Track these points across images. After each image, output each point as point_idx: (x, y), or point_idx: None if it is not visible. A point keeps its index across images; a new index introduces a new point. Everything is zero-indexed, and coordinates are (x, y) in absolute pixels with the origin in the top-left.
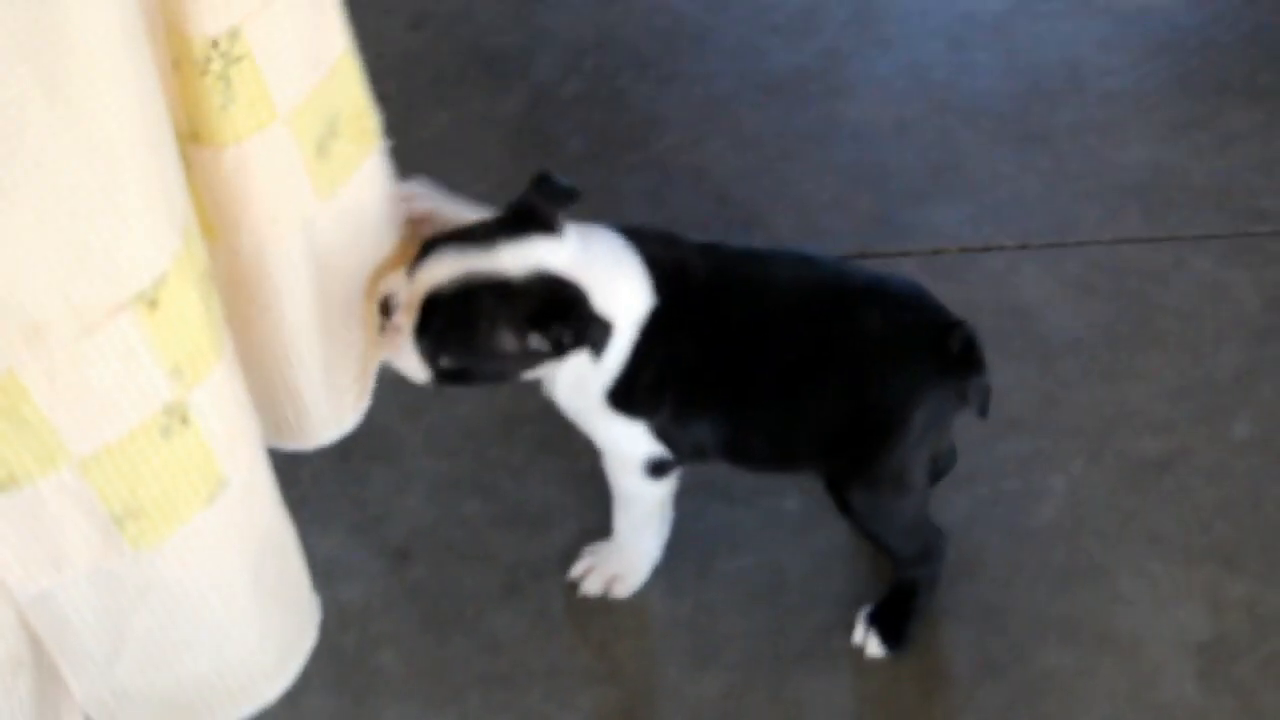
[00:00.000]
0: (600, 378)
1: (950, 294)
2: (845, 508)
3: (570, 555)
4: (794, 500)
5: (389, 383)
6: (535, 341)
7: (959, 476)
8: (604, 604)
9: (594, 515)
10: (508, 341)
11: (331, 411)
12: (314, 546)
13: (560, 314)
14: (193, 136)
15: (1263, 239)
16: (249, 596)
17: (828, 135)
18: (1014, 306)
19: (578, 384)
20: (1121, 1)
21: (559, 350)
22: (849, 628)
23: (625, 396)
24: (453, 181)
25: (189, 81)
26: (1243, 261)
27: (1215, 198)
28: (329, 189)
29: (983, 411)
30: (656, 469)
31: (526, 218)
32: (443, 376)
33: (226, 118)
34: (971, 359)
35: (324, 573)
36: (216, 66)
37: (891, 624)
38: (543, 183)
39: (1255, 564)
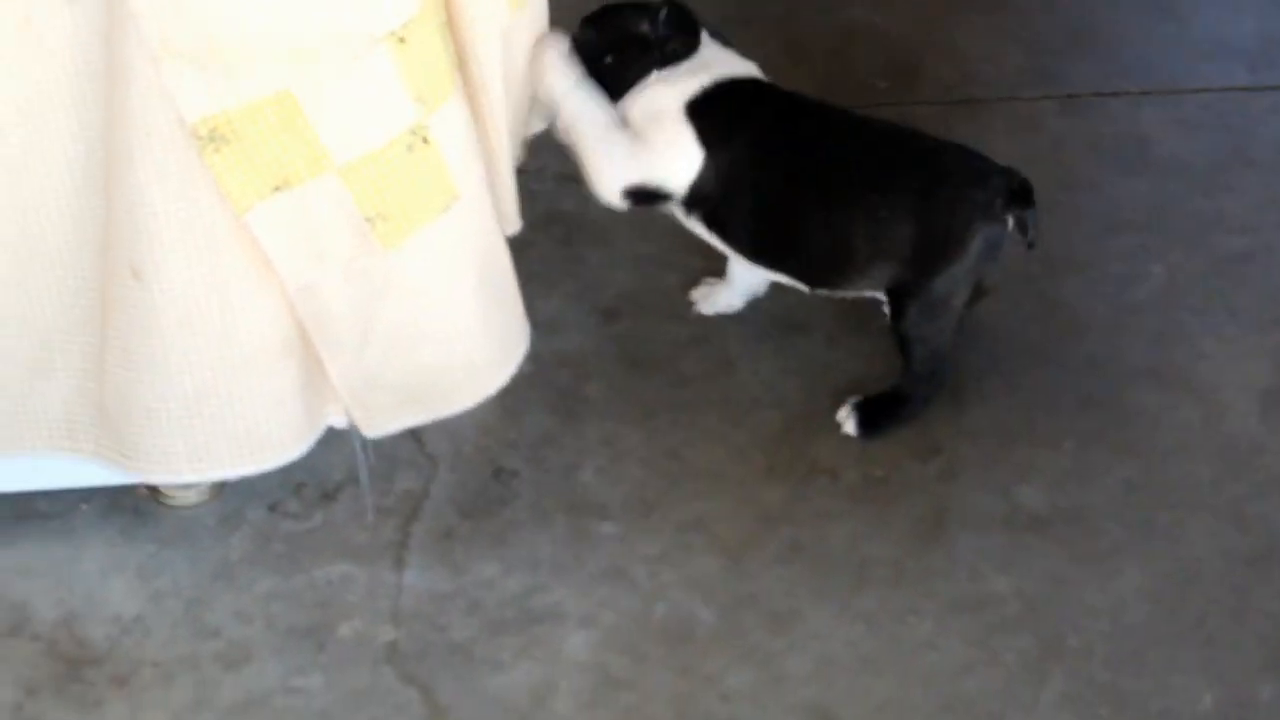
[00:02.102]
0: (686, 88)
1: (1079, 130)
2: (899, 317)
3: (753, 319)
4: None
5: None
6: (656, 26)
7: (1074, 262)
8: (776, 347)
9: (773, 290)
10: (642, 24)
11: (510, 204)
12: (538, 308)
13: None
14: None
15: None
16: (475, 298)
17: (986, 5)
18: (1135, 137)
19: (673, 91)
20: None
21: (667, 35)
22: None
23: (703, 111)
24: None
25: None
26: None
27: None
28: (519, 5)
29: (1031, 244)
30: (641, 197)
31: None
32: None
33: None
34: (1025, 195)
35: (546, 327)
36: None
37: (873, 416)
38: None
39: None
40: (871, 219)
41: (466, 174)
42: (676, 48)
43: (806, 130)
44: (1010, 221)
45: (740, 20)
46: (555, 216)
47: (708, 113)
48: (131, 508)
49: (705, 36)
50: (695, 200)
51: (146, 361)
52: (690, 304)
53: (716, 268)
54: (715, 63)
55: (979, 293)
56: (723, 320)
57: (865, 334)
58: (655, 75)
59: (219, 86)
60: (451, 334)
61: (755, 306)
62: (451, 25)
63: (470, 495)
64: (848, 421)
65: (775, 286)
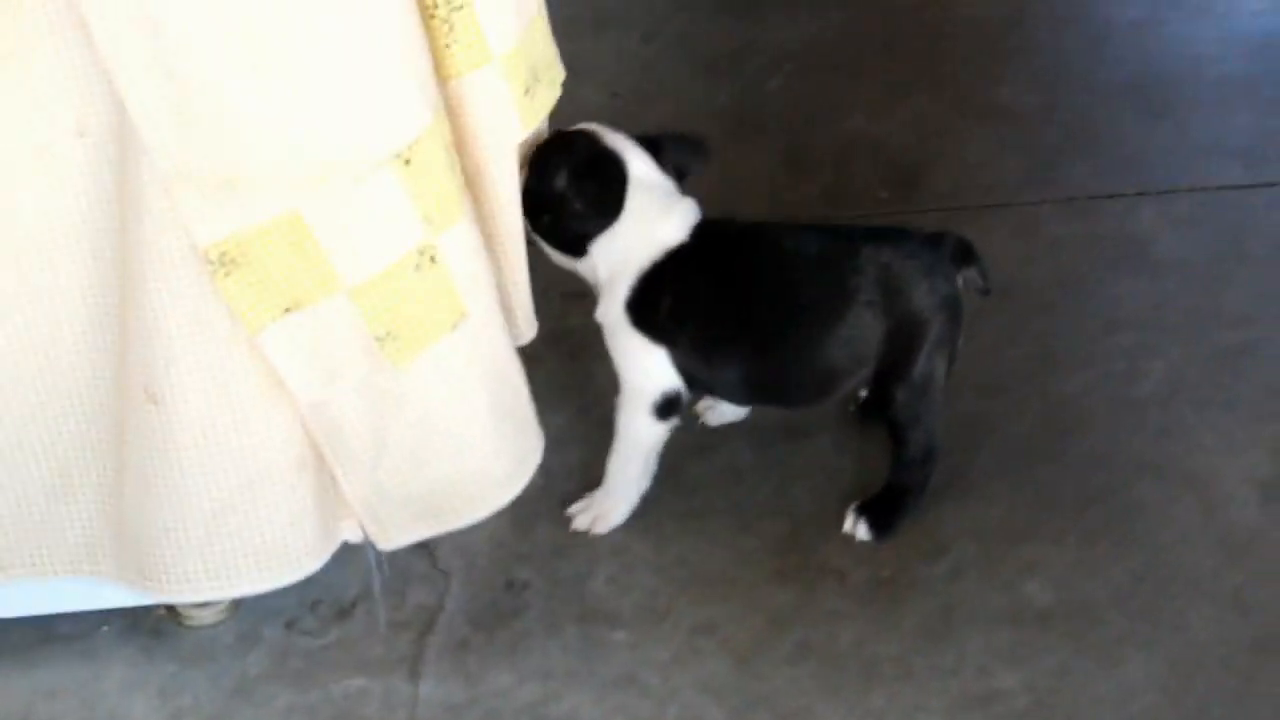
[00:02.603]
0: (622, 290)
1: (1077, 231)
2: (889, 405)
3: (759, 427)
4: None
5: None
6: (572, 189)
7: (1074, 361)
8: (783, 453)
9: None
10: (558, 182)
11: (527, 313)
12: (547, 422)
13: (594, 174)
14: None
15: None
16: (487, 413)
17: (986, 114)
18: (1132, 237)
19: (609, 299)
20: (1233, 8)
21: (582, 203)
22: None
23: (642, 312)
24: None
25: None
26: None
27: None
28: (533, 124)
29: (986, 291)
30: (665, 408)
31: (650, 144)
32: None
33: (449, 55)
34: (968, 253)
35: (555, 440)
36: (442, 11)
37: (881, 516)
38: (687, 140)
39: None
40: (842, 338)
41: (475, 292)
42: (598, 218)
43: (746, 276)
44: (961, 280)
45: (740, 134)
46: (563, 333)
47: (646, 308)
48: (151, 628)
49: (631, 184)
50: (693, 384)
51: (164, 483)
52: (696, 416)
53: None
54: (641, 231)
55: (951, 359)
56: (729, 430)
57: (870, 439)
58: (592, 247)
59: (228, 211)
60: (464, 448)
61: (760, 413)
62: (461, 145)
63: (483, 607)
64: (859, 528)
65: None
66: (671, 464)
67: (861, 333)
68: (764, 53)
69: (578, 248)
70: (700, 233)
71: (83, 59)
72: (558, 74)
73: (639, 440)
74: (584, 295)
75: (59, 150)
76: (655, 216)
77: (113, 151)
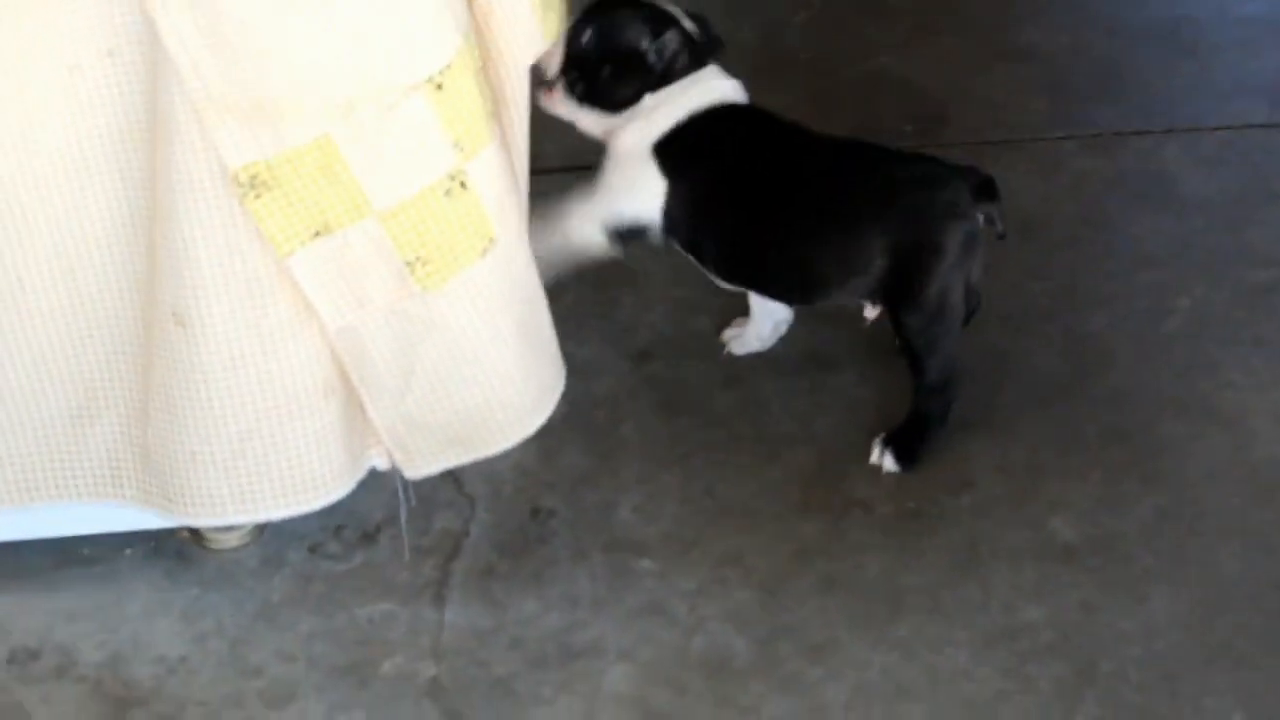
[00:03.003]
0: (656, 129)
1: (1102, 169)
2: (901, 329)
3: (784, 359)
4: None
5: None
6: (655, 46)
7: (1099, 297)
8: (808, 385)
9: (802, 330)
10: (639, 38)
11: None
12: (572, 352)
13: (672, 30)
14: None
15: None
16: (514, 341)
17: (1012, 54)
18: (1157, 175)
19: (635, 135)
20: None
21: (662, 56)
22: None
23: (666, 147)
24: None
25: None
26: None
27: None
28: (551, 36)
29: (1001, 235)
30: (625, 235)
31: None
32: (585, 89)
33: None
34: (988, 189)
35: (580, 371)
36: None
37: (906, 446)
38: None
39: None
40: (833, 246)
41: (504, 218)
42: (671, 74)
43: (769, 156)
44: (980, 217)
45: (769, 69)
46: (587, 262)
47: (675, 145)
48: (174, 552)
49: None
50: (669, 228)
51: (190, 406)
52: (722, 345)
53: (747, 309)
54: (696, 89)
55: (971, 294)
56: (754, 360)
57: (896, 370)
58: (647, 99)
59: (260, 135)
60: (491, 375)
61: (787, 345)
62: (485, 62)
63: (508, 534)
64: (885, 458)
65: (804, 324)
66: (697, 396)
67: (856, 242)
68: None
69: (627, 103)
70: (747, 106)
71: None
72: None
73: (579, 243)
74: None
75: (89, 71)
76: (712, 75)
77: (142, 73)
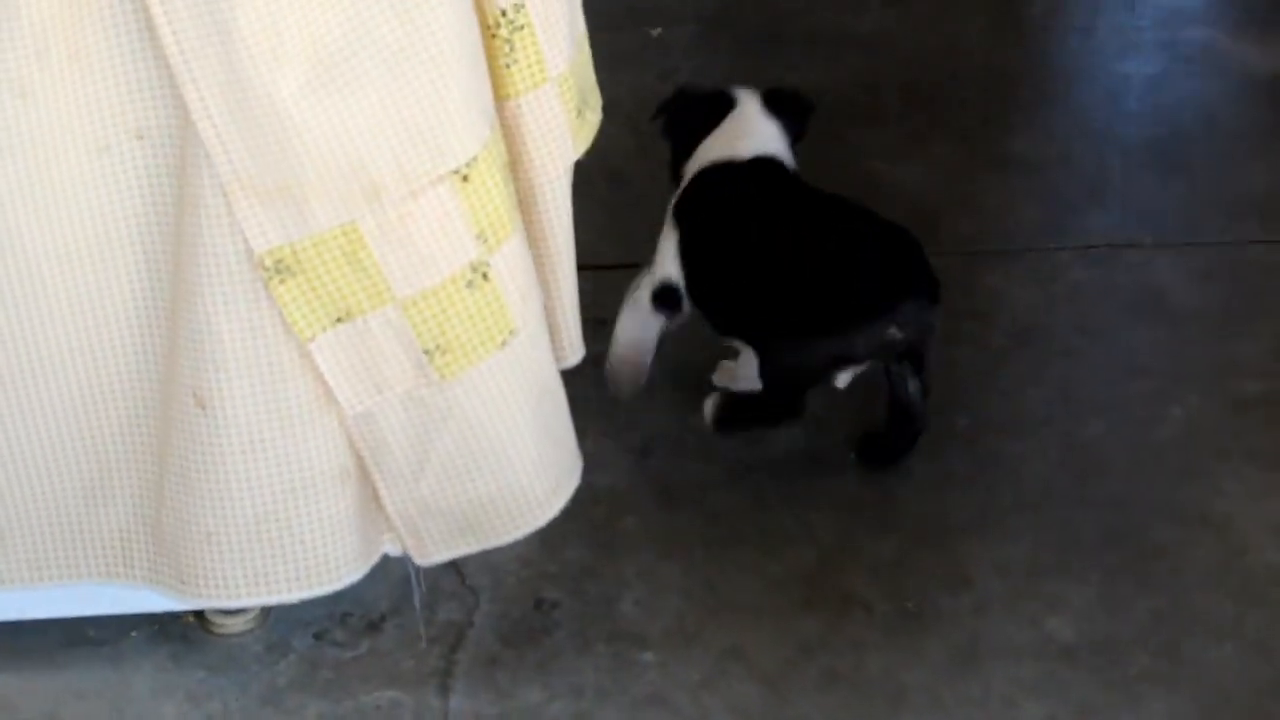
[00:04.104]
0: (680, 187)
1: (1096, 280)
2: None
3: (783, 459)
4: None
5: None
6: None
7: (1096, 406)
8: (808, 485)
9: (802, 431)
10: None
11: (574, 336)
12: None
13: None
14: None
15: None
16: (529, 431)
17: (1003, 163)
18: (1150, 287)
19: (675, 193)
20: (1246, 66)
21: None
22: None
23: (681, 208)
24: None
25: (484, 42)
26: None
27: None
28: (584, 146)
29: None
30: (660, 295)
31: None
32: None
33: (509, 75)
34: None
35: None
36: (504, 32)
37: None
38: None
39: None
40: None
41: (525, 310)
42: (690, 143)
43: (765, 216)
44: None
45: None
46: (589, 359)
47: (683, 202)
48: (179, 635)
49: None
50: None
51: (208, 487)
52: (720, 443)
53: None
54: (719, 144)
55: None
56: (754, 460)
57: (895, 472)
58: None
59: (286, 219)
60: (506, 466)
61: (788, 446)
62: (516, 166)
63: (512, 625)
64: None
65: (803, 425)
66: (697, 493)
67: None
68: None
69: (675, 174)
70: (763, 163)
71: (145, 62)
72: (599, 99)
73: (635, 311)
74: (610, 321)
75: (118, 152)
76: (733, 137)
77: (171, 155)
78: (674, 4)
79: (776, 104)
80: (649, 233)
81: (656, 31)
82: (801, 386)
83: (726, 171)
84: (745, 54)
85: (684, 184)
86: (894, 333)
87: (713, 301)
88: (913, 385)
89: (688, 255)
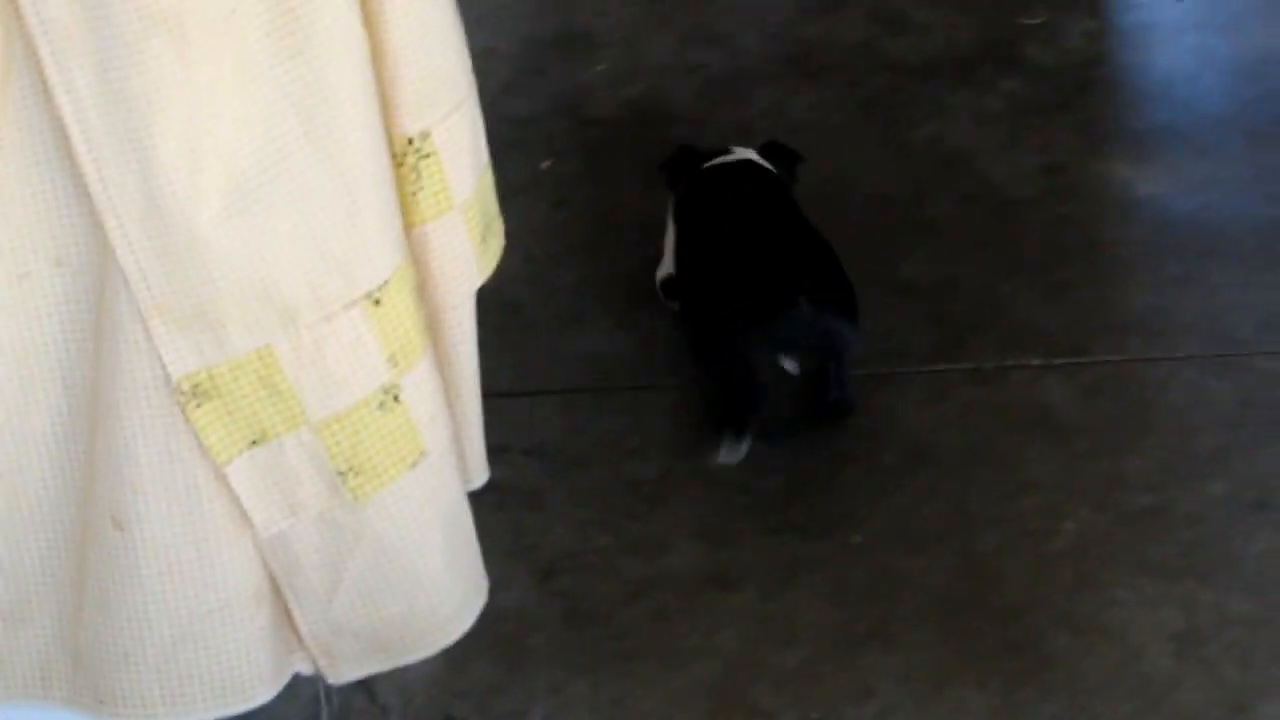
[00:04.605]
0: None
1: (986, 399)
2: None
3: (686, 575)
4: None
5: (543, 455)
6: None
7: (989, 520)
8: (711, 601)
9: (703, 548)
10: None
11: (479, 459)
12: None
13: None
14: None
15: (1232, 358)
16: (439, 552)
17: (895, 288)
18: (1038, 405)
19: None
20: (1127, 188)
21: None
22: None
23: (677, 207)
24: None
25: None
26: (1217, 374)
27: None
28: (488, 271)
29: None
30: (665, 289)
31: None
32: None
33: (415, 203)
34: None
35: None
36: (411, 160)
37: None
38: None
39: (1223, 580)
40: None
41: (434, 431)
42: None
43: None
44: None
45: (653, 293)
46: (489, 486)
47: (681, 202)
48: None
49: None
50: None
51: (126, 609)
52: (622, 561)
53: (648, 530)
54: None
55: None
56: (655, 579)
57: (798, 587)
58: None
59: (203, 343)
60: (417, 585)
61: (689, 565)
62: (422, 292)
63: None
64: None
65: (707, 541)
66: (603, 610)
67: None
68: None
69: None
70: (751, 165)
71: (65, 191)
72: (501, 226)
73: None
74: (506, 448)
75: (37, 280)
76: (728, 155)
77: (90, 282)
78: (562, 136)
79: (771, 152)
80: (545, 359)
81: (546, 164)
82: (729, 377)
83: (718, 172)
84: (635, 184)
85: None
86: (788, 332)
87: (683, 290)
88: (833, 393)
89: (680, 251)
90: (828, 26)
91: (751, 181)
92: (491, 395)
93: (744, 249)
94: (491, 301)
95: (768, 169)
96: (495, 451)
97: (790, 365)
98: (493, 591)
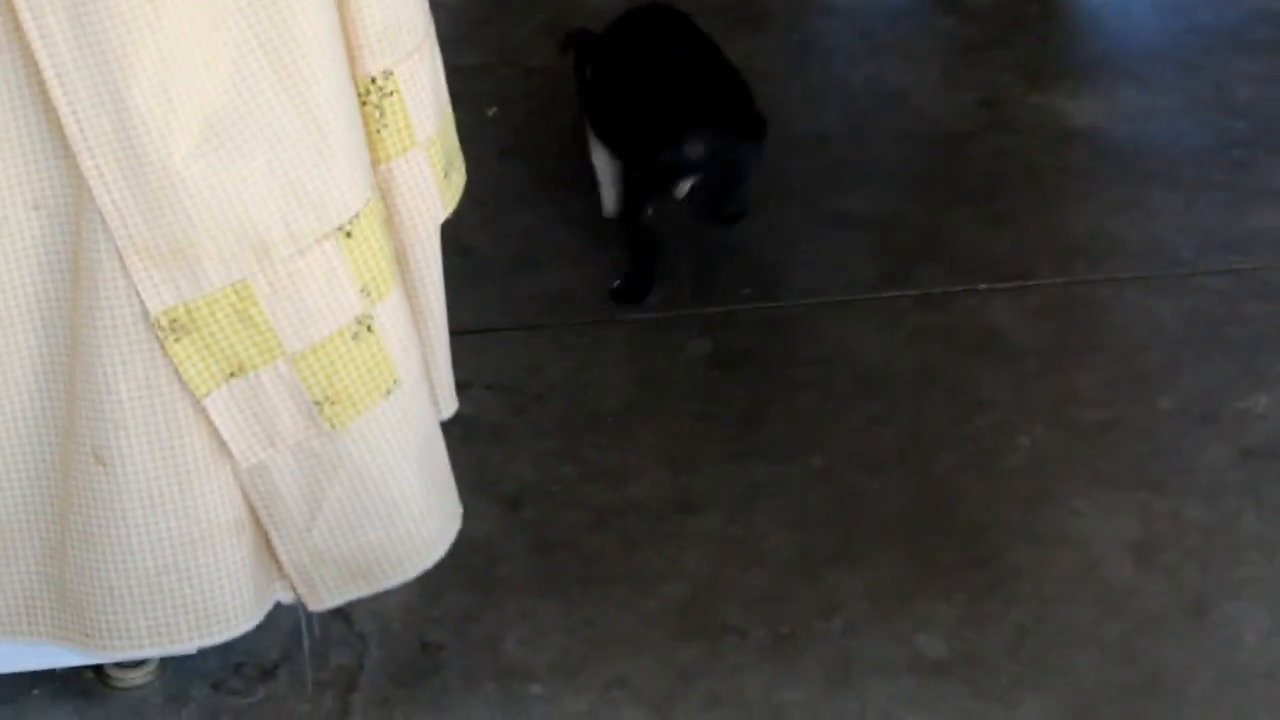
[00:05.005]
0: None
1: (935, 323)
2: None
3: (649, 502)
4: None
5: (504, 390)
6: None
7: (945, 440)
8: (674, 527)
9: (666, 475)
10: None
11: (447, 390)
12: None
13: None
14: None
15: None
16: (415, 479)
17: (838, 221)
18: (987, 328)
19: None
20: (1064, 119)
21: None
22: None
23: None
24: None
25: None
26: (1160, 293)
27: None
28: (451, 205)
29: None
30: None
31: None
32: None
33: (380, 140)
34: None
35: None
36: (374, 98)
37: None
38: None
39: (1177, 489)
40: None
41: (406, 361)
42: None
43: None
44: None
45: (603, 232)
46: (454, 420)
47: (595, 39)
48: (80, 690)
49: None
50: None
51: (109, 542)
52: (586, 490)
53: (610, 460)
54: None
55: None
56: (621, 506)
57: (761, 510)
58: None
59: (179, 279)
60: (394, 511)
61: (654, 491)
62: (389, 226)
63: (401, 667)
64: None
65: (669, 470)
66: (569, 538)
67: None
68: None
69: None
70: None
71: (40, 135)
72: (462, 162)
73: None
74: (473, 383)
75: (14, 224)
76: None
77: (67, 224)
78: (506, 85)
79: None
80: (497, 301)
81: (492, 111)
82: (649, 188)
83: (627, 17)
84: (579, 130)
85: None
86: (696, 151)
87: (598, 116)
88: (732, 203)
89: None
90: None
91: (660, 21)
92: (452, 333)
93: (651, 82)
94: (446, 247)
95: (677, 11)
96: (458, 387)
97: (680, 189)
98: (462, 522)
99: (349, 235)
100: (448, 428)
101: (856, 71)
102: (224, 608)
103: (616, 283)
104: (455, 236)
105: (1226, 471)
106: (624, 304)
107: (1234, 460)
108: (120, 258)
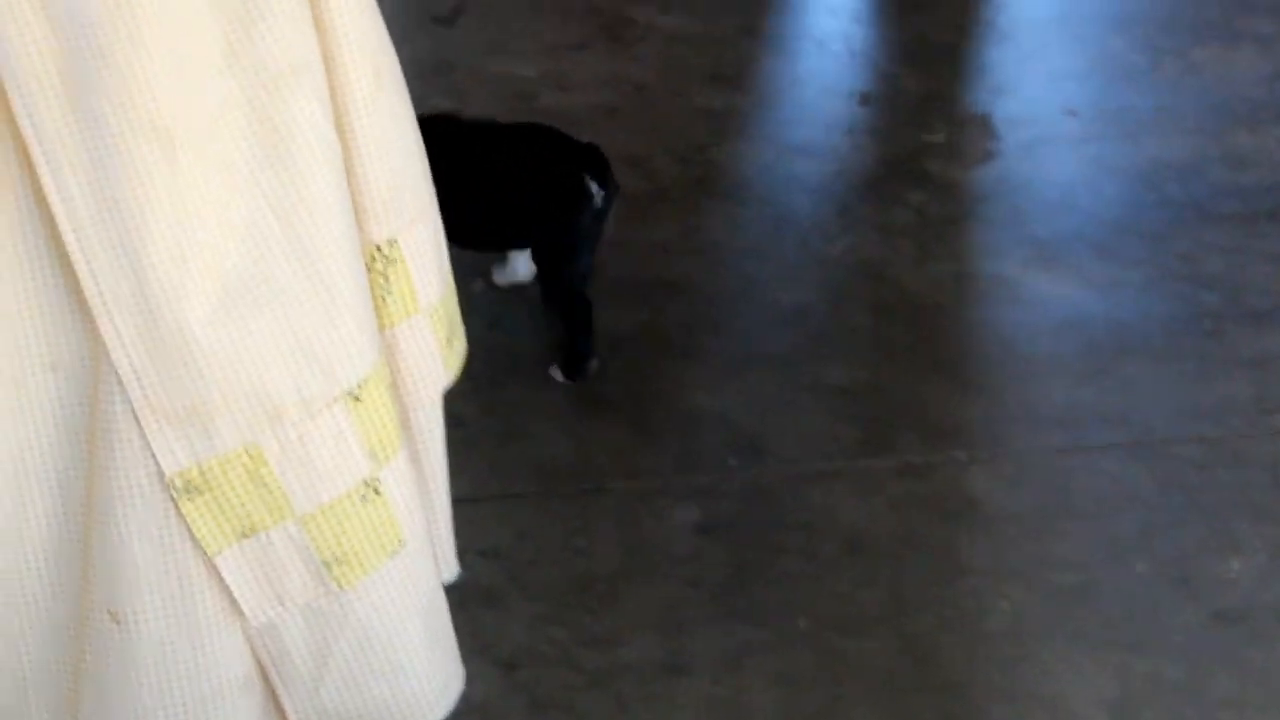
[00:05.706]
0: None
1: (915, 492)
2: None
3: (642, 665)
4: None
5: (498, 556)
6: None
7: (925, 602)
8: (665, 689)
9: (656, 638)
10: None
11: (448, 553)
12: None
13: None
14: None
15: (1148, 446)
16: (419, 637)
17: (818, 389)
18: (965, 496)
19: None
20: (1035, 295)
21: None
22: None
23: None
24: None
25: None
26: (1134, 461)
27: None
28: (454, 373)
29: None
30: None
31: None
32: None
33: (385, 307)
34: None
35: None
36: (379, 266)
37: (569, 362)
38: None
39: (1154, 650)
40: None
41: (411, 522)
42: None
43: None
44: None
45: (589, 409)
46: (448, 587)
47: None
48: None
49: None
50: None
51: (122, 700)
52: (583, 654)
53: (602, 624)
54: None
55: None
56: (613, 668)
57: (748, 671)
58: None
59: (194, 440)
60: (399, 670)
61: (644, 654)
62: (394, 387)
63: None
64: (554, 372)
65: (661, 633)
66: (563, 700)
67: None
68: (602, 338)
69: None
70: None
71: (57, 295)
72: (463, 332)
73: None
74: (462, 552)
75: (32, 384)
76: None
77: (84, 384)
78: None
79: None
80: (488, 470)
81: (478, 287)
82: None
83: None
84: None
85: None
86: (600, 181)
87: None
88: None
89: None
90: (735, 150)
91: (449, 126)
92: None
93: (508, 160)
94: None
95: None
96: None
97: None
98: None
99: (357, 399)
100: (448, 589)
101: (833, 245)
102: None
103: (556, 364)
104: (446, 407)
105: (1200, 633)
106: (575, 378)
107: (1207, 623)
108: (136, 419)
